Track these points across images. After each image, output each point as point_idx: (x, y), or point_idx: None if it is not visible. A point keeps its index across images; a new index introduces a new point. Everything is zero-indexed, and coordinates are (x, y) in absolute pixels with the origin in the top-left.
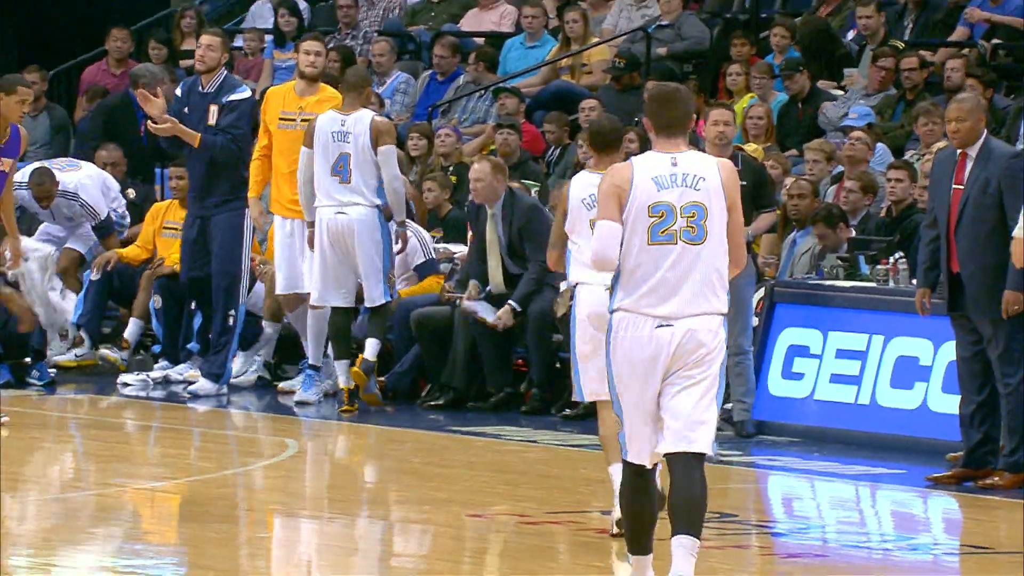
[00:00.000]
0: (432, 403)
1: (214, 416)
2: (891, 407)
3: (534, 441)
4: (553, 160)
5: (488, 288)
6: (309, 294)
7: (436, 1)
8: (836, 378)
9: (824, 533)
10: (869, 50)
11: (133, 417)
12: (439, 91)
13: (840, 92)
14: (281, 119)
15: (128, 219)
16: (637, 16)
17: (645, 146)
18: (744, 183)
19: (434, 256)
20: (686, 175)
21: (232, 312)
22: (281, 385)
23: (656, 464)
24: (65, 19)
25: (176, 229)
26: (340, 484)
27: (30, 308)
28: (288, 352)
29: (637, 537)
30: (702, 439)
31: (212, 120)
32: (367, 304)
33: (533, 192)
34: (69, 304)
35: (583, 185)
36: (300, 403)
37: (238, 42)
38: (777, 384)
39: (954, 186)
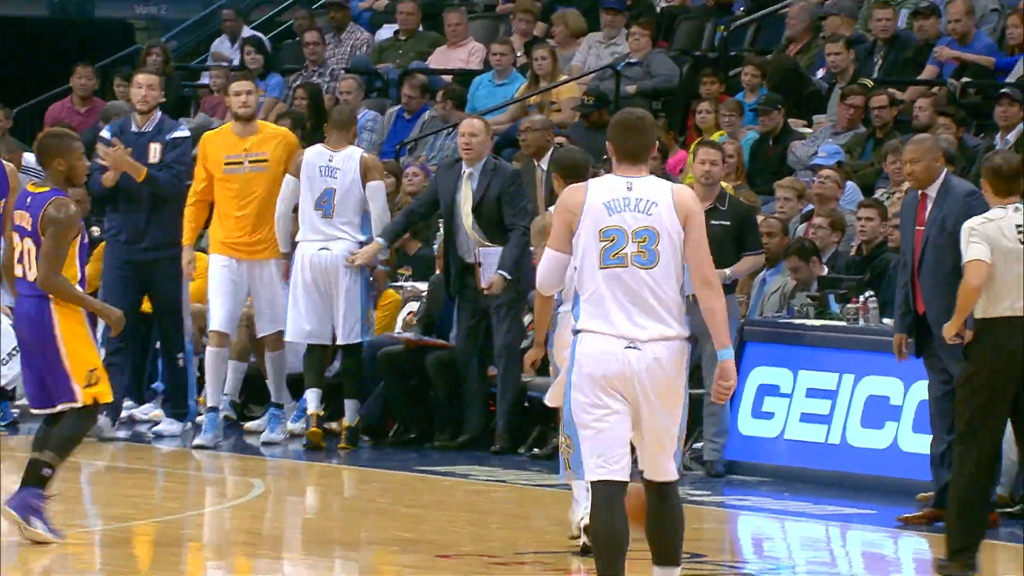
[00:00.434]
0: (400, 440)
1: (179, 456)
2: (862, 447)
3: (503, 481)
4: None
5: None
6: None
7: (404, 39)
8: (806, 417)
9: (795, 574)
10: (838, 88)
11: (97, 457)
12: (406, 128)
13: (808, 130)
14: (227, 163)
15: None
16: (606, 54)
17: None
18: (728, 223)
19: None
20: (639, 200)
21: (180, 355)
22: (247, 425)
23: (626, 482)
24: (29, 56)
25: None
26: (307, 525)
27: None
28: (254, 392)
29: (608, 563)
30: (671, 467)
31: (154, 158)
32: (342, 341)
33: None
34: None
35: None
36: (266, 443)
37: (204, 79)
38: (747, 423)
39: (917, 227)
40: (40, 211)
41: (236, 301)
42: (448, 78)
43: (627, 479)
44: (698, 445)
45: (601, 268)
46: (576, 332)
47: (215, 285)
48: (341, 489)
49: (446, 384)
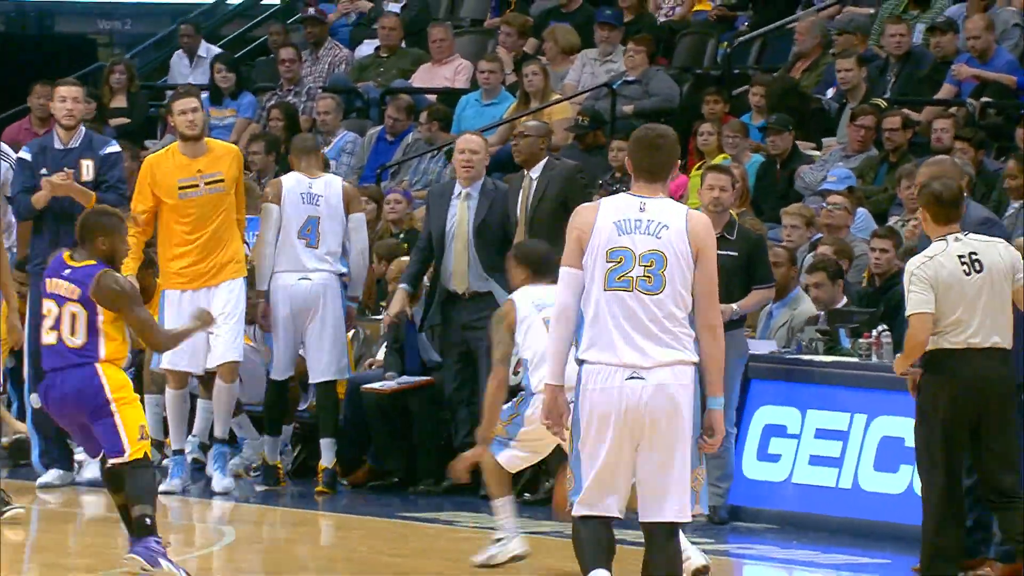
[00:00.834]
0: (378, 483)
1: None
2: (875, 491)
3: (491, 528)
4: None
5: (425, 285)
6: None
7: (385, 55)
8: (816, 460)
9: None
10: (849, 108)
11: (55, 504)
12: (388, 151)
13: (817, 153)
14: (182, 187)
15: None
16: (601, 71)
17: None
18: (736, 254)
19: None
20: (651, 222)
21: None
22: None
23: (612, 517)
24: None
25: None
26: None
27: None
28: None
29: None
30: (671, 507)
31: (88, 176)
32: (325, 377)
33: None
34: None
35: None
36: (221, 493)
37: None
38: (752, 466)
39: None
40: (90, 281)
41: (195, 338)
42: (433, 97)
43: (619, 516)
44: None
45: (605, 290)
46: (580, 362)
47: (173, 325)
48: (318, 538)
49: (433, 429)
